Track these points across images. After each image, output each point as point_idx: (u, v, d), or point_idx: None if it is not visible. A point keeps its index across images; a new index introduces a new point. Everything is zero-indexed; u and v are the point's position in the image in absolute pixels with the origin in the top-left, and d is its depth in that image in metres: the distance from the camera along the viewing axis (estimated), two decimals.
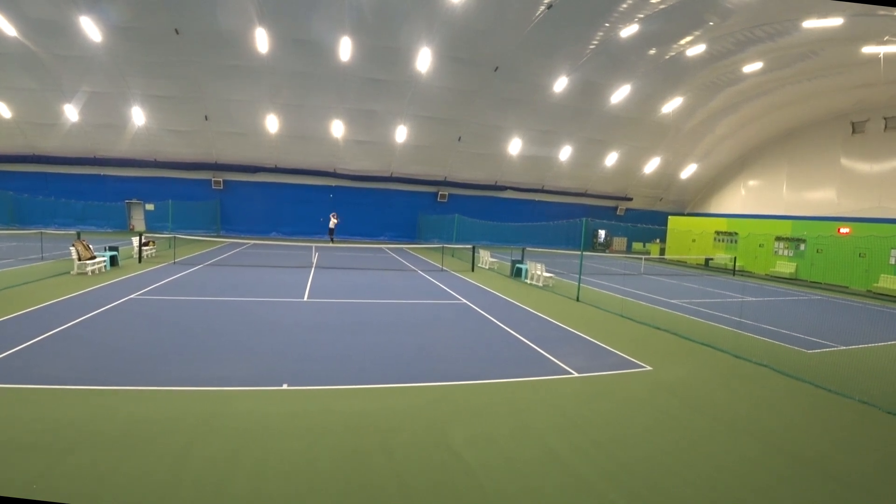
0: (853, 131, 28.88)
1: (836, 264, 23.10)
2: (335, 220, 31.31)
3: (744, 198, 36.40)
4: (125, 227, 31.00)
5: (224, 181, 32.16)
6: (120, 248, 17.20)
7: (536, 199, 37.38)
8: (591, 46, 24.37)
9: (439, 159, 33.42)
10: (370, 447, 4.86)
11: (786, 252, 26.39)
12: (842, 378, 7.80)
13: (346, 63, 25.24)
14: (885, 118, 27.14)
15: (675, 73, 26.93)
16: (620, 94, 28.69)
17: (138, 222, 31.31)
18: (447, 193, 35.55)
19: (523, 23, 22.55)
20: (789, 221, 27.47)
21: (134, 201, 31.56)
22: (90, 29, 22.18)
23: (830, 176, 29.96)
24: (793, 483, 4.67)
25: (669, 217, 35.29)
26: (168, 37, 23.08)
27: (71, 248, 14.46)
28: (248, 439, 4.87)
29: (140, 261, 17.74)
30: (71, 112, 27.05)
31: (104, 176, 30.72)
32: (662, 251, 34.13)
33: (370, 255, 24.89)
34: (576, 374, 7.54)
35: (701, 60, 25.32)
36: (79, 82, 25.49)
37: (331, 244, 29.90)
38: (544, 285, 17.17)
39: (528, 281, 18.12)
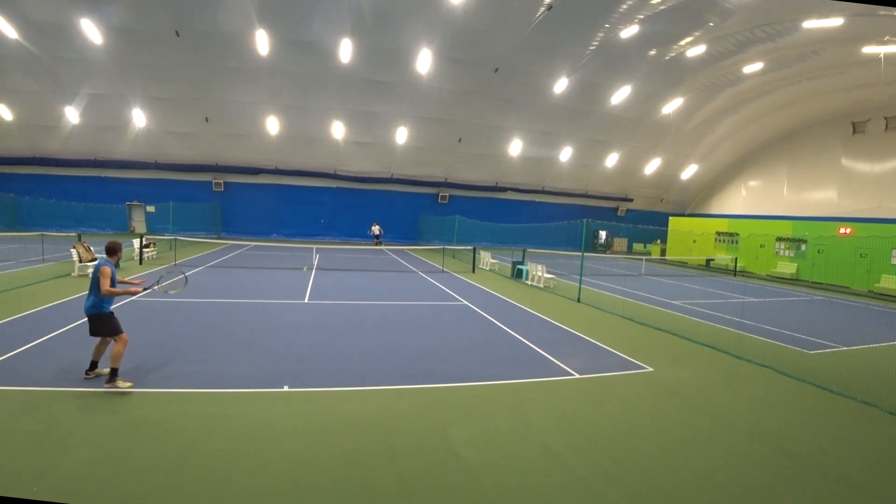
0: (854, 131, 28.88)
1: (837, 265, 23.08)
2: (378, 229, 32.53)
3: (744, 198, 36.38)
4: (126, 229, 31.04)
5: (225, 183, 32.21)
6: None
7: (537, 200, 37.39)
8: (592, 47, 24.39)
9: (440, 160, 33.44)
10: (371, 448, 4.86)
11: (787, 252, 26.35)
12: (843, 379, 7.78)
13: (347, 64, 25.28)
14: (885, 118, 27.14)
15: (675, 74, 26.94)
16: (621, 94, 28.71)
17: (139, 224, 31.36)
18: (448, 194, 35.57)
19: (523, 24, 22.57)
20: (790, 222, 27.44)
21: (135, 203, 31.62)
22: (91, 31, 22.25)
23: (831, 176, 29.94)
24: (793, 483, 4.65)
25: (670, 218, 35.26)
26: (168, 38, 23.15)
27: (72, 249, 14.48)
28: (249, 440, 4.87)
29: (141, 262, 17.76)
30: (72, 114, 27.11)
31: (105, 178, 30.79)
32: (663, 252, 34.10)
33: (371, 257, 24.90)
34: (576, 375, 7.53)
35: (701, 61, 25.33)
36: (79, 84, 25.56)
37: (378, 247, 31.36)
38: (545, 286, 17.16)
39: (529, 282, 18.11)
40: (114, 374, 5.88)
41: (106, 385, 5.83)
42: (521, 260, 19.94)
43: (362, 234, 34.05)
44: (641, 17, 21.55)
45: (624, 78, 27.41)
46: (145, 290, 6.30)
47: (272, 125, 29.35)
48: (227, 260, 20.48)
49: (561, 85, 27.52)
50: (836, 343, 10.62)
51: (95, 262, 14.40)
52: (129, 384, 5.93)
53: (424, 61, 25.17)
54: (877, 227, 22.19)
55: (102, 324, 6.06)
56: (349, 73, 25.99)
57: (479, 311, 12.27)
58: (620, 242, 38.99)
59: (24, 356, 6.93)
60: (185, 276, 6.44)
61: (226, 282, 14.79)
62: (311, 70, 25.87)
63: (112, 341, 6.10)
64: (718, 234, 30.79)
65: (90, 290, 6.11)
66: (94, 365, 6.24)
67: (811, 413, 6.54)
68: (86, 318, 6.14)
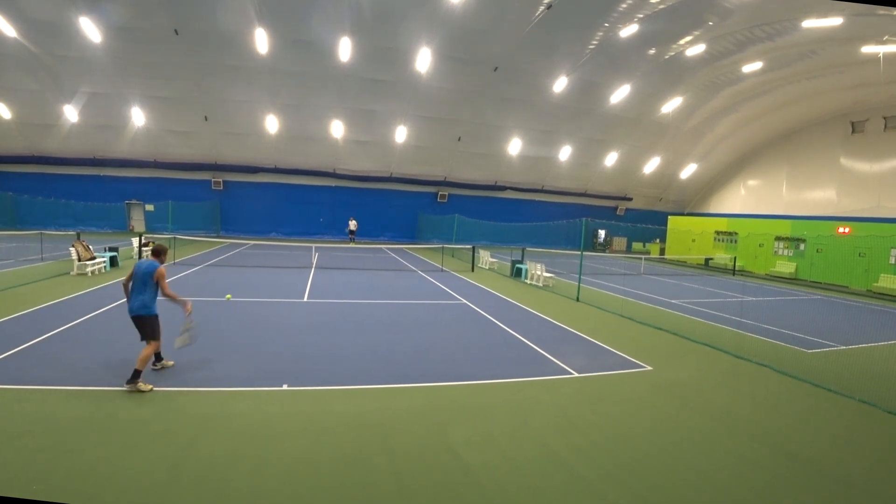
0: (853, 131, 28.89)
1: (835, 264, 23.10)
2: (354, 225, 32.44)
3: (744, 197, 36.40)
4: (125, 228, 30.99)
5: (224, 182, 32.16)
6: (120, 249, 17.20)
7: (536, 199, 37.38)
8: (591, 46, 24.38)
9: (439, 159, 33.42)
10: (370, 447, 4.86)
11: (786, 252, 26.39)
12: (842, 378, 7.80)
13: (346, 63, 25.24)
14: (884, 118, 27.15)
15: (674, 73, 26.93)
16: (620, 93, 28.70)
17: (138, 223, 31.29)
18: (447, 193, 35.56)
19: (523, 23, 22.56)
20: (789, 221, 27.48)
21: (134, 202, 31.55)
22: (90, 29, 22.19)
23: (830, 175, 29.96)
24: (793, 483, 4.66)
25: (669, 217, 35.29)
26: (167, 37, 23.09)
27: (71, 248, 14.46)
28: (248, 440, 4.87)
29: None
30: (71, 113, 27.04)
31: (104, 176, 30.72)
32: (662, 251, 34.13)
33: (370, 256, 24.89)
34: (576, 374, 7.54)
35: (700, 60, 25.33)
36: (78, 83, 25.49)
37: (352, 244, 31.00)
38: (544, 285, 17.17)
39: (528, 281, 18.11)
40: (136, 375, 5.85)
41: (126, 385, 5.80)
42: (520, 259, 19.95)
43: (361, 233, 34.03)
44: (641, 16, 21.54)
45: (623, 77, 27.39)
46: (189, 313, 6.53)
47: (271, 124, 29.30)
48: (225, 259, 20.46)
49: (560, 84, 27.51)
50: (835, 342, 10.65)
51: (95, 261, 14.41)
52: (149, 387, 5.91)
53: (424, 60, 25.13)
54: (875, 227, 22.22)
55: (147, 325, 6.11)
56: (348, 72, 25.95)
57: (479, 309, 12.27)
58: (619, 241, 39.00)
59: (23, 355, 6.92)
60: (192, 336, 6.59)
61: (225, 280, 14.77)
62: (311, 69, 25.83)
63: (146, 343, 6.12)
64: (717, 233, 30.82)
65: (137, 290, 6.14)
66: (158, 357, 6.57)
67: (810, 412, 6.55)
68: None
